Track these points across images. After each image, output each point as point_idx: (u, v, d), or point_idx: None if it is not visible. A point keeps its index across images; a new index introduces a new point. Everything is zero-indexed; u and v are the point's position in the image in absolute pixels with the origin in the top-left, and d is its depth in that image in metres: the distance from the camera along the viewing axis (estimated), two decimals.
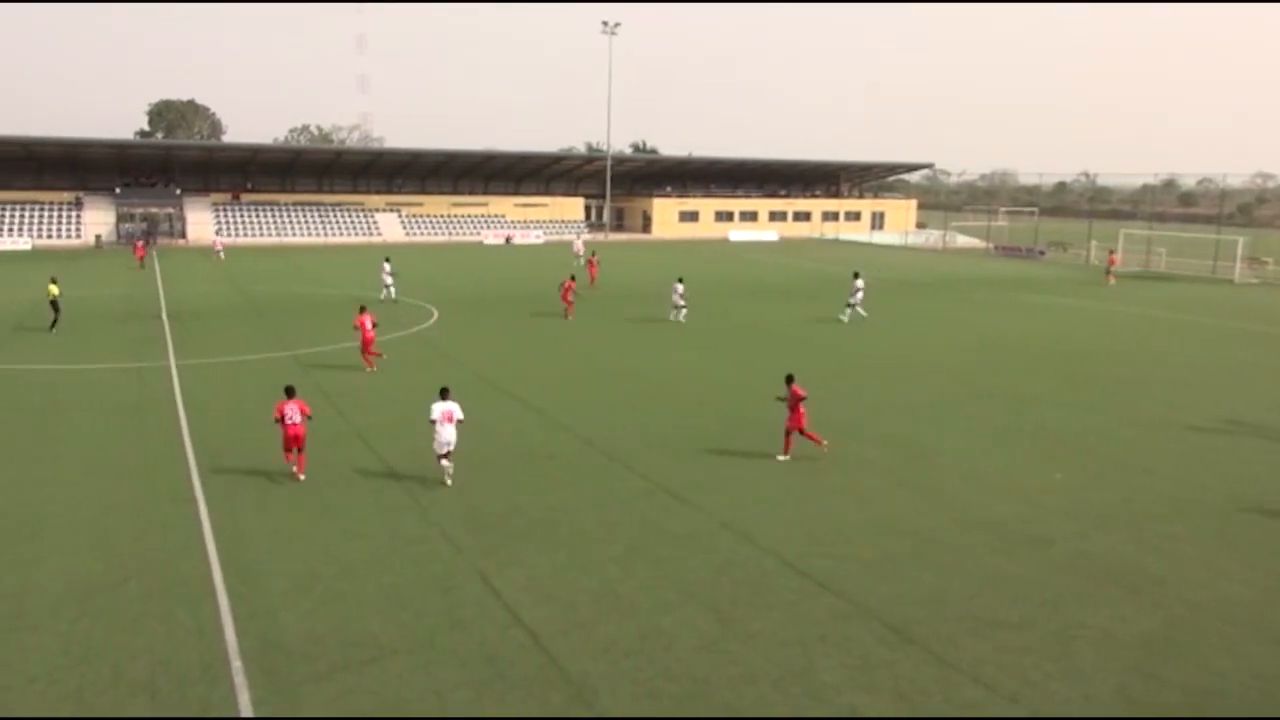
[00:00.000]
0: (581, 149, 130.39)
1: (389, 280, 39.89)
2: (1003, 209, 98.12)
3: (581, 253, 57.90)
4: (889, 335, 33.79)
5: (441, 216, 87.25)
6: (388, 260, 41.48)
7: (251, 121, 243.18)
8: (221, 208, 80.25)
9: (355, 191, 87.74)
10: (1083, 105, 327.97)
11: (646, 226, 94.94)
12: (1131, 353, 31.04)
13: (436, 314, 36.40)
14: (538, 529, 14.10)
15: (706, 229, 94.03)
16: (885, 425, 20.62)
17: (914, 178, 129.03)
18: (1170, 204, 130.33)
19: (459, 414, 16.26)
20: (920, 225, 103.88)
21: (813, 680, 9.97)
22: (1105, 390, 24.80)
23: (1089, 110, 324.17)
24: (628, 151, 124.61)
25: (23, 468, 16.90)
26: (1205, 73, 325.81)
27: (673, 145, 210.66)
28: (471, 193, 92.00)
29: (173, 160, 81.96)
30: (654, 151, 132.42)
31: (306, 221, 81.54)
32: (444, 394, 16.65)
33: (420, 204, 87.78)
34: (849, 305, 36.36)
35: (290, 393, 16.80)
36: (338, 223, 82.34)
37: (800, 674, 10.08)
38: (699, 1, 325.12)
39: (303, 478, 16.29)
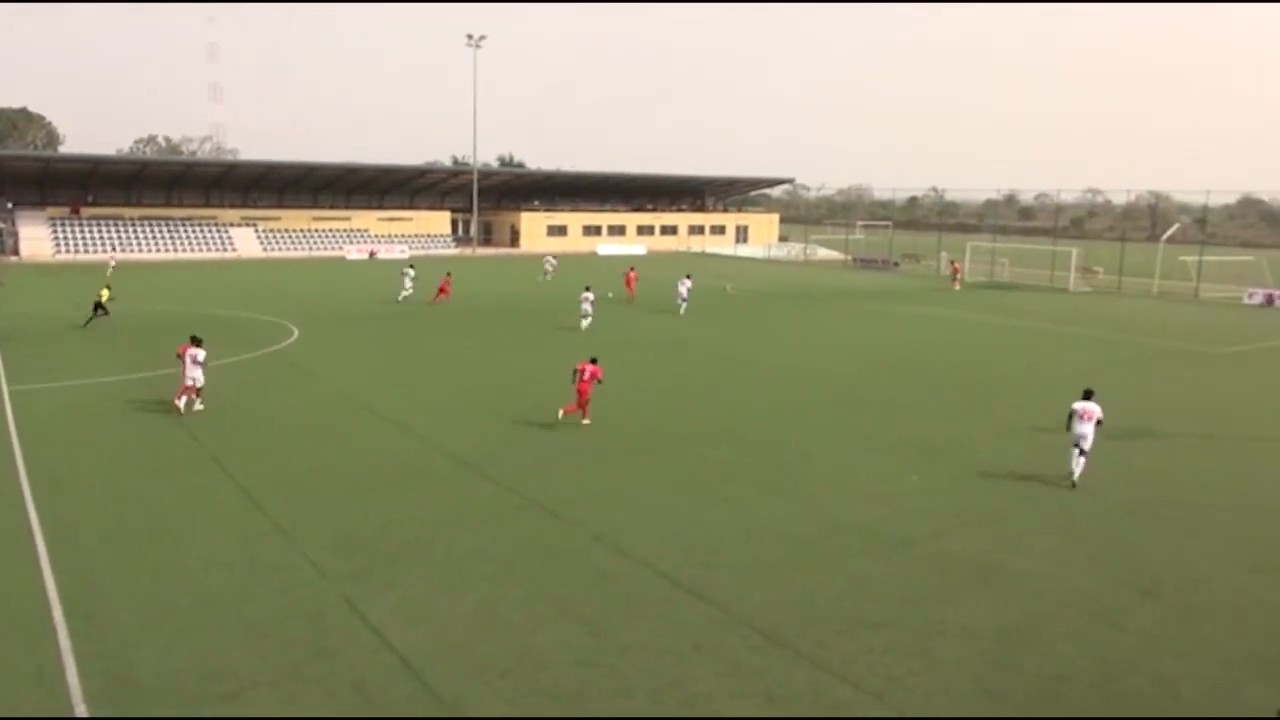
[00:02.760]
0: (447, 162, 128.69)
1: (409, 285, 45.77)
2: (859, 223, 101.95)
3: (551, 270, 59.61)
4: (760, 345, 34.58)
5: (301, 231, 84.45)
6: (411, 267, 48.14)
7: (93, 132, 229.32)
8: (59, 222, 75.47)
9: (207, 205, 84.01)
10: (930, 124, 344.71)
11: (515, 240, 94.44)
12: (982, 358, 32.73)
13: (297, 332, 35.16)
14: (408, 550, 13.75)
15: (575, 243, 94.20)
16: (757, 433, 21.07)
17: (776, 192, 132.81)
18: (1011, 217, 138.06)
19: (201, 356, 21.28)
20: (783, 238, 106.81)
21: (687, 690, 10.05)
22: (959, 394, 26.06)
23: (936, 128, 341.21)
24: (494, 165, 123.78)
25: None
26: (1038, 102, 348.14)
27: (539, 159, 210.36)
28: (333, 206, 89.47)
29: (3, 172, 76.65)
30: (520, 165, 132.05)
31: (154, 236, 77.56)
32: (194, 341, 21.48)
33: (278, 218, 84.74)
34: (682, 300, 43.22)
35: (196, 341, 21.67)
36: (189, 238, 78.66)
37: (675, 684, 10.15)
38: (561, 2, 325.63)
39: (198, 407, 21.56)
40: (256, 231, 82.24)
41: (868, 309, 47.75)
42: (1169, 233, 69.00)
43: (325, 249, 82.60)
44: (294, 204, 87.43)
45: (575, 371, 21.06)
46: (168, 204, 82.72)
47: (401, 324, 38.50)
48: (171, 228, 79.06)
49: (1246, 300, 55.94)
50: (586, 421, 21.05)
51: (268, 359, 29.52)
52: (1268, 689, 10.28)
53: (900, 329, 40.25)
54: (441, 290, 45.97)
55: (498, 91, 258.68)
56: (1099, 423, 17.83)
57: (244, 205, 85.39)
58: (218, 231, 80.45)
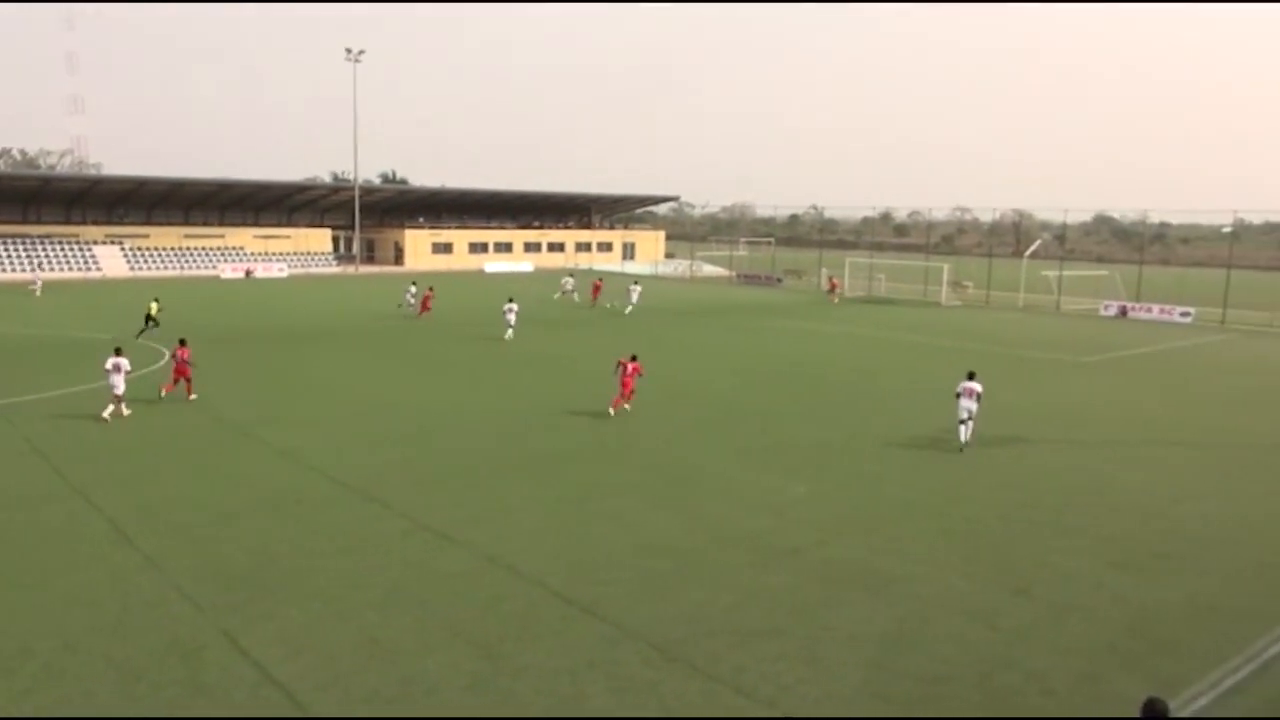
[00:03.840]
0: (327, 178, 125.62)
1: (411, 298, 49.45)
2: (743, 240, 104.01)
3: (569, 288, 59.91)
4: (647, 361, 34.76)
5: (172, 249, 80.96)
6: (414, 283, 52.28)
7: None
8: None
9: (69, 222, 79.68)
10: (809, 143, 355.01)
11: (399, 258, 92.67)
12: (862, 370, 33.77)
13: (167, 354, 33.58)
14: (290, 580, 13.30)
15: (461, 260, 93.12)
16: (647, 447, 21.20)
17: (662, 209, 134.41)
18: (887, 234, 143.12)
19: (126, 366, 22.68)
20: (669, 255, 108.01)
21: (583, 707, 10.03)
22: (841, 406, 26.83)
23: (816, 148, 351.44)
24: (376, 182, 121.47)
25: None
26: (909, 122, 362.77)
27: (424, 176, 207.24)
28: (206, 223, 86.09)
29: None
30: (404, 182, 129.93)
31: (9, 255, 73.11)
32: (118, 352, 23.08)
33: (146, 235, 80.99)
34: (632, 301, 52.16)
35: (183, 342, 25.78)
36: (49, 256, 74.39)
37: (570, 702, 10.12)
38: (447, 2, 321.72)
39: (193, 397, 25.13)
40: (123, 250, 78.47)
41: (752, 324, 48.68)
42: (1032, 249, 72.76)
43: (198, 268, 79.41)
44: (163, 221, 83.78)
45: (618, 365, 24.64)
46: (24, 221, 78.12)
47: (281, 344, 37.28)
48: (29, 246, 74.66)
49: (1102, 312, 59.40)
50: (627, 407, 24.45)
51: (135, 383, 28.09)
52: (1127, 678, 10.90)
53: (784, 343, 41.18)
54: (424, 305, 47.25)
55: (379, 107, 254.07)
56: (979, 397, 21.73)
57: (109, 222, 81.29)
58: (80, 250, 76.40)
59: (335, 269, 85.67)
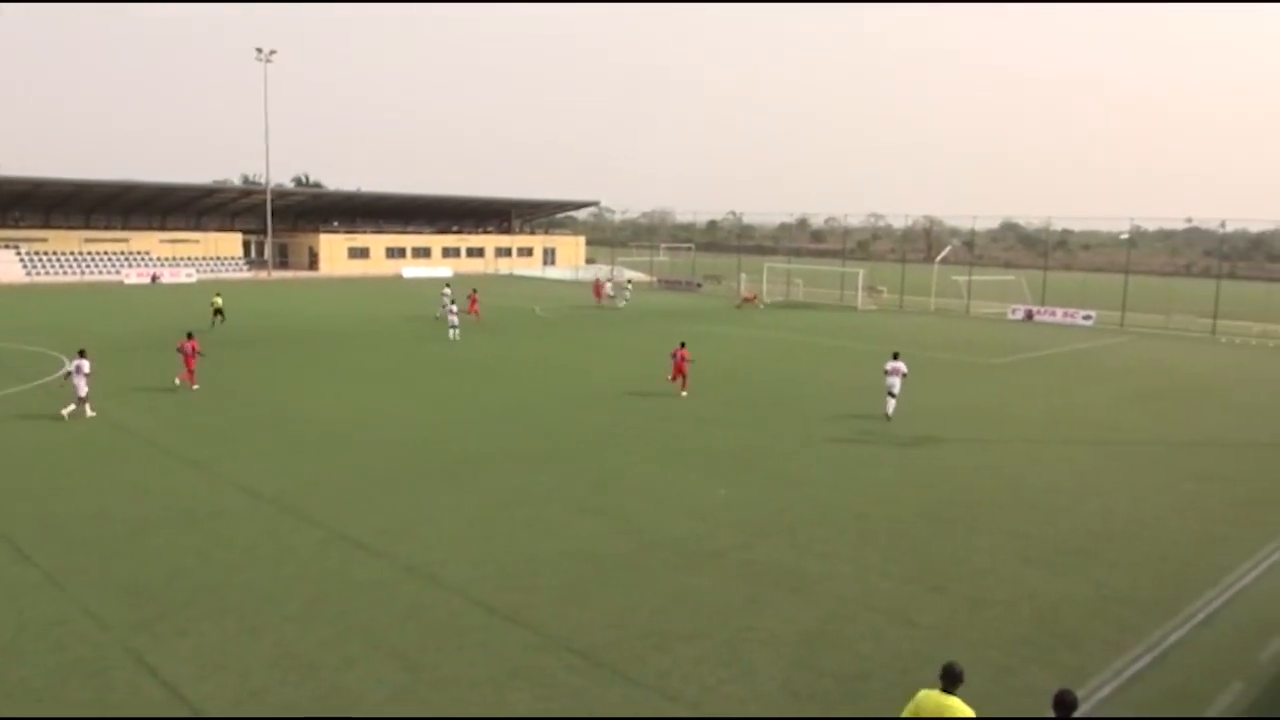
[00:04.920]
0: (237, 181, 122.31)
1: (446, 303, 46.87)
2: (663, 245, 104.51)
3: (611, 292, 62.35)
4: (571, 365, 34.72)
5: (72, 254, 77.77)
6: (448, 286, 52.80)
7: None
8: None
9: None
10: (728, 151, 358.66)
11: (314, 264, 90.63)
12: (782, 374, 34.22)
13: (67, 362, 32.18)
14: (202, 595, 12.87)
15: (378, 266, 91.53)
16: (571, 451, 21.13)
17: (582, 215, 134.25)
18: (804, 240, 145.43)
19: (86, 367, 23.23)
20: (590, 260, 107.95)
21: (506, 716, 9.92)
22: (762, 409, 27.13)
23: (734, 154, 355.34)
24: (289, 185, 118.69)
25: None
26: (823, 130, 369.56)
27: (338, 180, 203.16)
28: (108, 227, 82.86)
29: None
30: (318, 185, 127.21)
31: None
32: (81, 354, 23.56)
33: (44, 239, 77.61)
34: (625, 298, 60.76)
35: (190, 336, 27.85)
36: None
37: (493, 711, 10.00)
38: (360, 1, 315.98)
39: (195, 387, 27.18)
40: (19, 254, 75.06)
41: (672, 329, 48.82)
42: (943, 254, 74.84)
43: (101, 273, 76.43)
44: (63, 224, 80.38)
45: (673, 355, 28.45)
46: None
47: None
48: None
49: (1010, 316, 61.32)
50: (684, 394, 27.97)
51: (33, 394, 26.93)
52: (1040, 670, 11.25)
53: (705, 347, 41.38)
54: (472, 307, 48.09)
55: (292, 108, 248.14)
56: (904, 375, 25.46)
57: (3, 225, 77.69)
58: None
59: (247, 274, 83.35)
